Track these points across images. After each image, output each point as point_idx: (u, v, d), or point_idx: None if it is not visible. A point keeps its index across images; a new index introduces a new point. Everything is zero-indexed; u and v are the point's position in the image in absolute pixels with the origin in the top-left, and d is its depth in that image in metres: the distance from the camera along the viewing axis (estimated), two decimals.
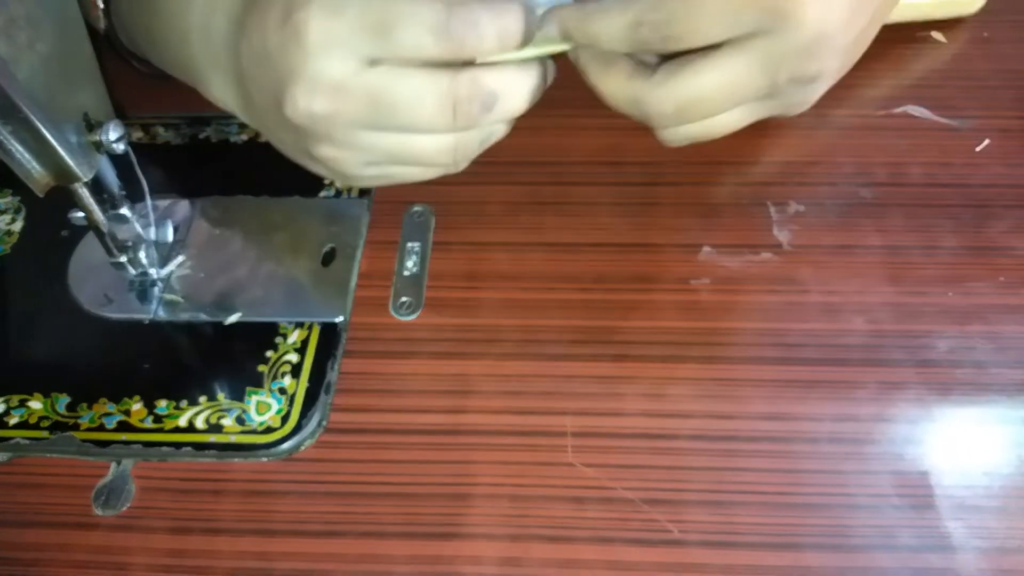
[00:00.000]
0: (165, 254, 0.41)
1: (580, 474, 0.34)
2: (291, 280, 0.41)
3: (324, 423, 0.36)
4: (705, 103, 0.32)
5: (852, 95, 0.47)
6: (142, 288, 0.41)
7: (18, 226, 0.44)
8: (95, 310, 0.40)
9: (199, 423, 0.36)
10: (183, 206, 0.43)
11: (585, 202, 0.43)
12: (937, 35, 0.50)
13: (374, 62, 0.29)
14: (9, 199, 0.45)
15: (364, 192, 0.44)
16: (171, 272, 0.41)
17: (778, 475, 0.34)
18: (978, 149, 0.44)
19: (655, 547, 0.33)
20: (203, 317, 0.40)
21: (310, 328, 0.39)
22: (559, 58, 0.33)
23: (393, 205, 0.44)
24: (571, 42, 0.32)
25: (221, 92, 0.34)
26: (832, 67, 0.32)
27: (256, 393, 0.37)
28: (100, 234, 0.38)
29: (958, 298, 0.39)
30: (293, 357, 0.38)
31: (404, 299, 0.40)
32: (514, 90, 0.30)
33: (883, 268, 0.40)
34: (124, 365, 0.38)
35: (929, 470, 0.34)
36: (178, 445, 0.36)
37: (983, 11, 0.50)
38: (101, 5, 0.39)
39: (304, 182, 0.44)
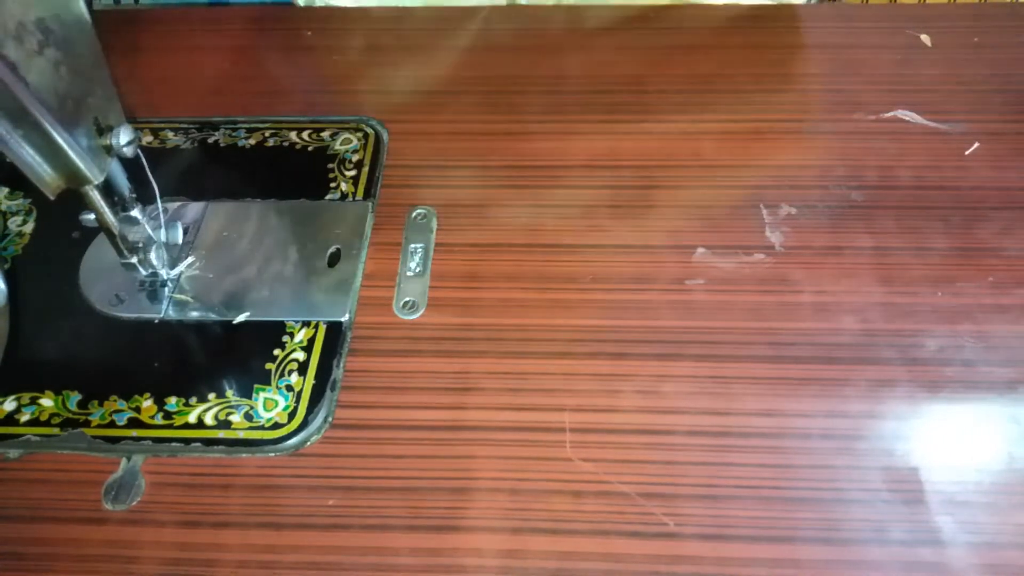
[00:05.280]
0: (175, 255, 0.42)
1: (578, 469, 0.35)
2: (298, 280, 0.41)
3: (330, 419, 0.37)
4: None
5: (843, 99, 0.47)
6: (152, 288, 0.41)
7: (30, 228, 0.45)
8: (106, 310, 0.41)
9: (208, 419, 0.37)
10: (193, 208, 0.44)
11: (583, 205, 0.44)
12: (926, 39, 0.50)
13: None
14: (20, 201, 0.46)
15: (369, 195, 0.45)
16: (181, 272, 0.42)
17: (771, 470, 0.35)
18: (967, 152, 0.45)
19: (651, 540, 0.33)
20: (212, 316, 0.40)
21: (316, 327, 0.40)
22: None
23: (397, 208, 0.44)
24: None
25: None
26: None
27: (264, 390, 0.38)
28: (111, 235, 0.38)
29: (948, 298, 0.39)
30: (300, 355, 0.39)
31: (407, 299, 0.41)
32: None
33: (874, 269, 0.40)
34: (134, 363, 0.39)
35: (919, 466, 0.35)
36: (187, 441, 0.36)
37: (974, 16, 0.51)
38: None
39: (310, 185, 0.45)
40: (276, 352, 0.39)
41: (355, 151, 0.47)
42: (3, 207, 0.46)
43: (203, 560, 0.33)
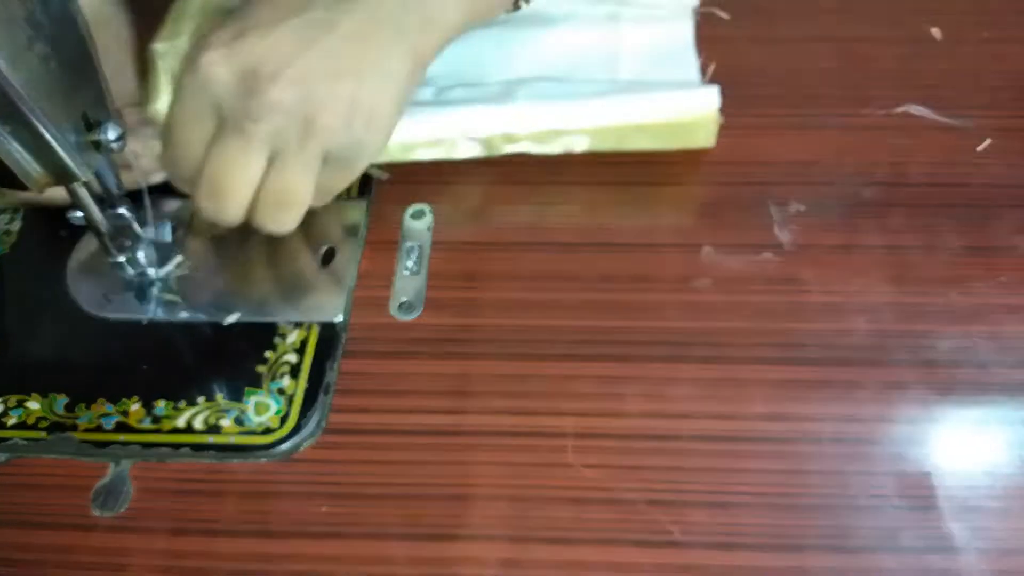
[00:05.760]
0: (164, 254, 0.41)
1: (581, 475, 0.34)
2: (290, 280, 0.41)
3: (323, 424, 0.36)
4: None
5: (853, 94, 0.47)
6: (140, 288, 0.40)
7: (16, 226, 0.44)
8: (93, 310, 0.40)
9: (197, 424, 0.36)
10: (182, 206, 0.43)
11: (586, 202, 0.43)
12: (936, 32, 0.49)
13: None
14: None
15: (364, 192, 0.44)
16: (169, 272, 0.41)
17: (780, 476, 0.34)
18: (979, 149, 0.44)
19: (656, 548, 0.32)
20: (202, 317, 0.39)
21: (309, 328, 0.39)
22: None
23: (393, 205, 0.44)
24: None
25: None
26: (281, 98, 0.33)
27: (255, 394, 0.37)
28: (99, 234, 0.38)
29: (960, 298, 0.39)
30: (292, 357, 0.38)
31: (404, 299, 0.40)
32: None
33: (884, 268, 0.40)
34: (122, 366, 0.38)
35: (931, 471, 0.34)
36: (176, 446, 0.36)
37: (984, 10, 0.50)
38: None
39: None
40: (268, 354, 0.38)
41: None
42: None
43: (193, 569, 0.33)
